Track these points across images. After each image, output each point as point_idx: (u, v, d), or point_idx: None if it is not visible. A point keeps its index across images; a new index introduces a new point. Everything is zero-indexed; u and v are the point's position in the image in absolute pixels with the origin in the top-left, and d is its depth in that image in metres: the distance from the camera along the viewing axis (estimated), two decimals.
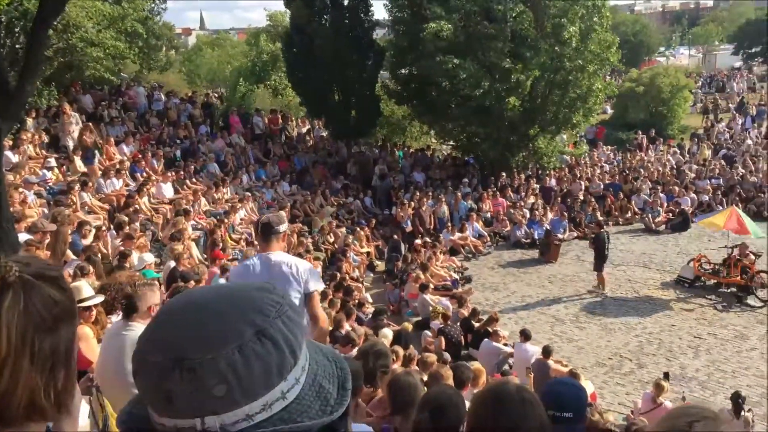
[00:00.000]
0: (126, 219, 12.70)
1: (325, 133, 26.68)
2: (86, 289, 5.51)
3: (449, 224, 19.57)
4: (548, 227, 19.51)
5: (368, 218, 20.13)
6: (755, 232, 15.39)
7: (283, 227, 4.69)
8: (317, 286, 4.55)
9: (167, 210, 15.38)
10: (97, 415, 3.61)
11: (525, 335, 11.14)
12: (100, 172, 15.59)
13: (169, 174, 17.26)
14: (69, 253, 10.14)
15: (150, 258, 10.92)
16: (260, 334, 0.96)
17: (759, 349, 12.58)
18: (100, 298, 5.45)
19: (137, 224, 12.95)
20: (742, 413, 8.91)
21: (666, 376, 10.20)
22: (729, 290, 15.38)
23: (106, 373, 3.99)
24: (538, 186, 22.92)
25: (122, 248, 10.94)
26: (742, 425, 8.64)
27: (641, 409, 9.29)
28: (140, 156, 17.69)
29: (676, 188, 22.29)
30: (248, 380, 0.94)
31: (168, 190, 16.57)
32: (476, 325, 12.65)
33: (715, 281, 15.68)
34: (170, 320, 1.00)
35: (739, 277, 15.15)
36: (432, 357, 7.67)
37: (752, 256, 15.47)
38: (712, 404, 10.05)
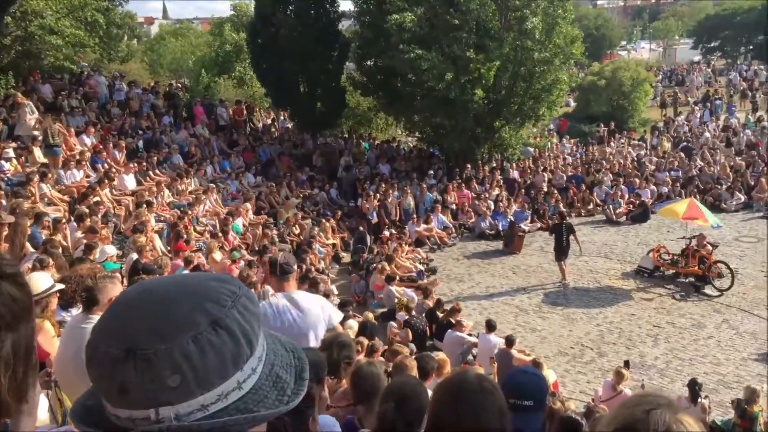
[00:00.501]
0: (87, 211, 12.48)
1: (290, 125, 26.51)
2: (44, 280, 5.38)
3: (414, 216, 19.62)
4: (512, 219, 19.69)
5: (334, 210, 20.09)
6: (714, 222, 15.67)
7: (295, 266, 4.96)
8: (339, 317, 5.00)
9: (129, 201, 15.17)
10: (56, 410, 3.56)
11: (490, 326, 11.25)
12: (61, 163, 15.29)
13: (132, 165, 16.98)
14: (28, 245, 9.93)
15: (111, 250, 10.76)
16: (215, 324, 0.96)
17: (716, 337, 12.89)
18: (60, 286, 5.34)
19: (98, 216, 12.74)
20: (699, 400, 9.14)
21: (626, 364, 10.40)
22: (687, 280, 15.68)
23: (65, 367, 3.91)
24: (502, 178, 23.09)
25: (84, 240, 10.76)
26: (699, 412, 8.84)
27: (602, 396, 9.47)
28: (101, 147, 17.38)
29: (637, 180, 22.63)
30: (203, 370, 0.93)
31: (130, 182, 16.34)
32: (441, 315, 12.73)
33: (674, 271, 15.99)
34: (124, 310, 0.99)
35: (696, 267, 15.44)
36: (404, 348, 7.67)
37: (710, 247, 15.78)
38: (670, 391, 10.29)
